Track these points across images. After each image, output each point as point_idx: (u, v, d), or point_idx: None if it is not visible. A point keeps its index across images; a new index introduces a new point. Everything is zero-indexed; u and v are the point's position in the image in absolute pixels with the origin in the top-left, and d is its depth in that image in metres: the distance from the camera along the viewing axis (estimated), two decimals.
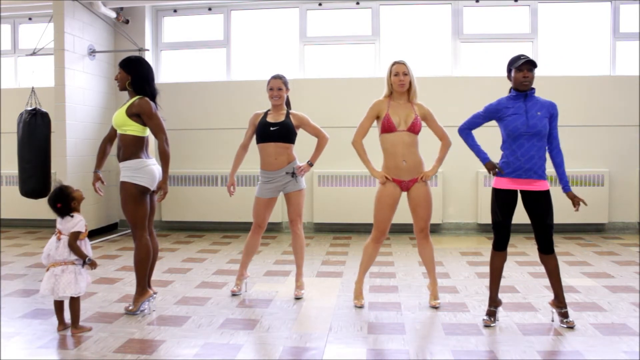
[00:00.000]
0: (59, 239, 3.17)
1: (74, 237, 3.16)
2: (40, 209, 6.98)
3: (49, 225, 6.82)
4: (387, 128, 3.53)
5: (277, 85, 3.91)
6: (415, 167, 3.57)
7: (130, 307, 3.55)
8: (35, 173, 5.64)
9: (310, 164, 3.97)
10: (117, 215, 7.19)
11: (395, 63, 3.58)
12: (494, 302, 3.34)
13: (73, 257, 3.16)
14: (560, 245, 5.71)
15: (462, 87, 6.74)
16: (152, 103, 3.51)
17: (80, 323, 3.25)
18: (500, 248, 3.30)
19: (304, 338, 3.08)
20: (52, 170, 5.87)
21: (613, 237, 6.35)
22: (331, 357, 2.83)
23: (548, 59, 6.81)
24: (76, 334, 3.16)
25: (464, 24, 6.92)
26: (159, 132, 3.48)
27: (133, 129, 3.48)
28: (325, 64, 7.18)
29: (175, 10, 7.35)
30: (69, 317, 3.24)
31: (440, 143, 3.74)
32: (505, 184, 3.23)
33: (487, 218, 6.68)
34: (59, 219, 3.23)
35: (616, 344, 2.94)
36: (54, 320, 3.31)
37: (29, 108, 5.80)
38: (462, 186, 6.77)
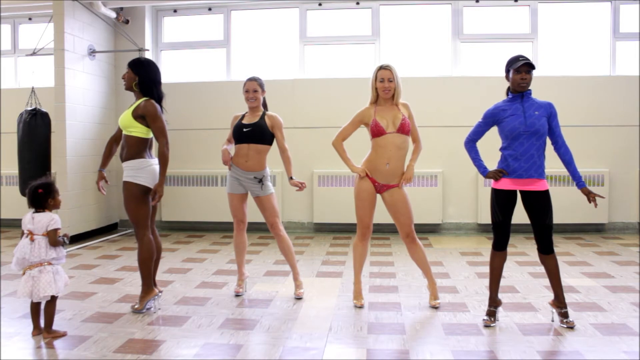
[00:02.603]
0: (32, 239, 3.07)
1: (54, 234, 3.08)
2: None
3: None
4: (377, 132, 3.54)
5: (253, 87, 3.92)
6: (393, 174, 3.56)
7: (136, 306, 3.56)
8: (35, 173, 5.63)
9: (292, 178, 3.93)
10: (117, 216, 7.19)
11: (380, 68, 3.57)
12: (494, 302, 3.34)
13: (50, 257, 3.07)
14: (560, 245, 5.71)
15: (462, 87, 6.74)
16: (157, 106, 3.52)
17: (80, 322, 3.25)
18: (500, 248, 3.30)
19: (304, 338, 3.08)
20: (52, 170, 5.87)
21: (613, 237, 6.35)
22: (331, 357, 2.83)
23: (548, 59, 6.81)
24: (48, 337, 3.07)
25: (464, 24, 6.91)
26: (160, 135, 3.49)
27: (138, 130, 3.49)
28: (325, 64, 7.17)
29: (175, 10, 7.35)
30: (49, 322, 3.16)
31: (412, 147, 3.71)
32: (505, 184, 3.23)
33: (487, 218, 6.68)
34: (27, 218, 3.10)
35: (616, 344, 2.94)
36: (54, 320, 3.27)
37: (29, 108, 5.80)
38: (462, 186, 6.77)
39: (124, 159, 3.53)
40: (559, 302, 3.24)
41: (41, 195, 3.12)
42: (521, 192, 3.23)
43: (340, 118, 6.78)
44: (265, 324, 3.33)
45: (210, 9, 7.26)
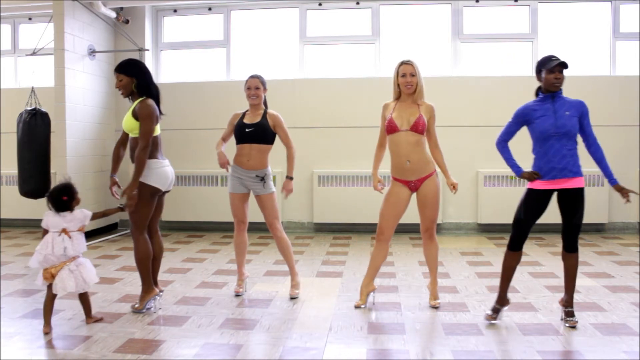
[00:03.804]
0: (69, 236, 3.21)
1: (94, 217, 3.37)
2: (40, 209, 6.92)
3: None
4: (390, 129, 3.51)
5: (255, 85, 3.91)
6: (421, 167, 3.52)
7: (137, 306, 3.57)
8: (35, 173, 5.64)
9: (291, 179, 3.94)
10: (117, 215, 7.18)
11: (402, 63, 3.53)
12: (502, 301, 3.33)
13: (81, 250, 3.28)
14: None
15: (462, 87, 6.74)
16: (151, 106, 3.48)
17: (80, 322, 3.31)
18: (515, 248, 3.29)
19: (304, 338, 3.08)
20: (52, 170, 5.87)
21: (613, 237, 6.35)
22: (331, 357, 2.83)
23: None
24: (91, 321, 3.35)
25: (464, 24, 6.91)
26: (141, 137, 3.43)
27: None
28: (325, 64, 7.17)
29: (175, 10, 7.35)
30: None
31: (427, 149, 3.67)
32: (541, 184, 3.19)
33: (487, 218, 6.71)
34: (56, 219, 3.21)
35: (616, 344, 2.94)
36: (54, 320, 3.32)
37: (29, 108, 5.80)
38: (462, 186, 6.71)
39: (134, 160, 3.54)
40: (567, 301, 3.25)
41: (66, 201, 3.27)
42: (558, 190, 3.19)
43: (340, 118, 6.85)
44: (265, 324, 3.33)
45: (210, 9, 7.26)
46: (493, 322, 3.27)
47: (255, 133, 3.85)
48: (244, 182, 3.92)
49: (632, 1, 6.68)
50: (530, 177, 3.22)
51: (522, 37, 6.86)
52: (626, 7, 6.76)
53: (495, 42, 6.94)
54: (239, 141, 3.91)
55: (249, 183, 3.90)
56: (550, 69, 3.15)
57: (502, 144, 3.35)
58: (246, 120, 3.92)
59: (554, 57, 3.18)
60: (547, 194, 3.20)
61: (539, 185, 3.20)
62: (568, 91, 7.17)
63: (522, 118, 3.27)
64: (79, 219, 3.26)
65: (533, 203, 3.22)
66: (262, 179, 3.87)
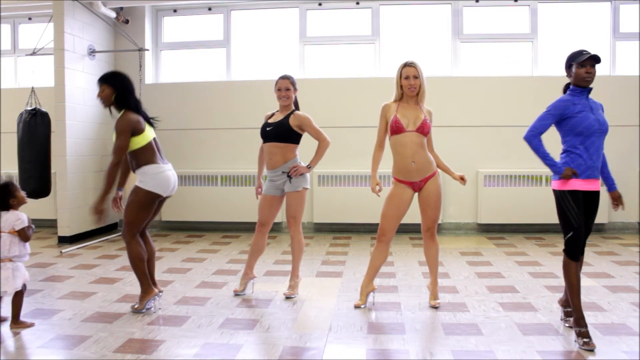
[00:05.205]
0: None
1: (24, 233, 3.21)
2: (40, 209, 6.97)
3: (49, 225, 6.82)
4: (396, 129, 3.50)
5: (285, 86, 3.91)
6: (425, 167, 3.53)
7: (136, 306, 3.57)
8: (35, 173, 5.64)
9: (309, 167, 3.94)
10: (117, 215, 7.18)
11: (405, 65, 3.52)
12: (584, 320, 2.94)
13: (12, 254, 3.18)
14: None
15: (462, 87, 6.74)
16: (128, 121, 3.43)
17: (80, 322, 3.27)
18: (578, 257, 2.95)
19: (304, 338, 3.08)
20: (52, 170, 5.87)
21: (613, 237, 6.35)
22: (331, 357, 2.83)
23: (548, 59, 6.81)
24: (15, 328, 3.20)
25: (464, 24, 6.91)
26: (113, 152, 3.41)
27: (131, 144, 3.47)
28: (325, 64, 7.17)
29: (175, 10, 7.35)
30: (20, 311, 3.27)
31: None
32: (578, 184, 2.96)
33: (487, 218, 6.71)
34: None
35: (616, 344, 2.94)
36: (54, 320, 3.33)
37: (29, 108, 5.80)
38: (462, 186, 6.72)
39: (134, 169, 3.54)
40: (567, 301, 3.23)
41: (3, 199, 3.22)
42: (584, 191, 3.00)
43: (340, 118, 6.85)
44: (265, 324, 3.33)
45: (210, 9, 7.26)
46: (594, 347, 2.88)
47: (273, 132, 3.87)
48: (275, 183, 3.93)
49: (632, 1, 6.68)
50: (570, 174, 2.94)
51: (522, 37, 6.85)
52: (626, 7, 6.76)
53: (495, 42, 6.93)
54: (263, 140, 3.96)
55: (280, 183, 3.91)
56: (581, 63, 3.04)
57: (538, 138, 3.01)
58: (270, 120, 3.96)
59: (585, 51, 3.07)
60: (586, 194, 2.96)
61: (578, 186, 2.94)
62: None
63: (559, 111, 3.01)
64: (9, 221, 3.19)
65: (581, 205, 2.94)
66: (289, 175, 3.87)
